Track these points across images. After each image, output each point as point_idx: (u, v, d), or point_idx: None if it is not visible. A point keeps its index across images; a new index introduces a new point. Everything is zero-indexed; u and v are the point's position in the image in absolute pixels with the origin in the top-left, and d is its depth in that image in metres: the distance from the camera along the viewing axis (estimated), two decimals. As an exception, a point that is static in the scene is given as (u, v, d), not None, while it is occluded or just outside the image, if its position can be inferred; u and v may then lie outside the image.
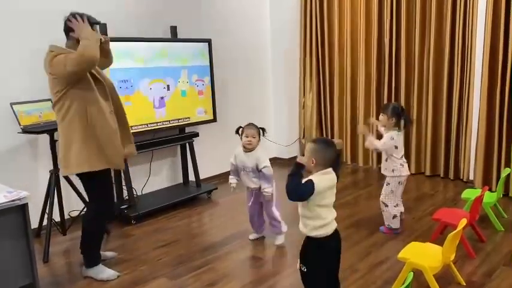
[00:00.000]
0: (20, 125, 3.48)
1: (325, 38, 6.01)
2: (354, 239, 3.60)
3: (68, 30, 2.94)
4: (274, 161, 5.29)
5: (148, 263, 3.34)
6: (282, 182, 2.39)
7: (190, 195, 4.76)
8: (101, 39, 2.93)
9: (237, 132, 3.50)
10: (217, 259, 3.37)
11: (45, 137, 3.61)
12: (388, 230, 3.70)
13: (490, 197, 3.79)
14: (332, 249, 2.31)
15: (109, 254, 3.44)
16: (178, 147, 5.03)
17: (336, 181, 2.31)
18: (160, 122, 4.49)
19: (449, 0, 4.87)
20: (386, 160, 3.66)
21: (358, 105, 5.89)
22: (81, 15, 2.93)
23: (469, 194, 3.89)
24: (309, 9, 6.05)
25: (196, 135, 4.96)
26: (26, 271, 2.57)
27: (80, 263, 3.21)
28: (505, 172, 3.98)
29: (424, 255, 2.73)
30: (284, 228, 3.54)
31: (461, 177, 5.08)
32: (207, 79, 4.93)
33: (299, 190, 2.21)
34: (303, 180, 2.23)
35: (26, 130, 3.46)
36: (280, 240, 3.56)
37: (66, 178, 3.54)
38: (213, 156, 5.48)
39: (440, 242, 2.83)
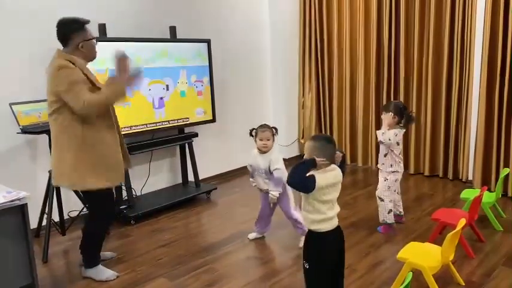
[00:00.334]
0: (19, 125, 3.47)
1: (325, 38, 6.01)
2: (353, 239, 3.60)
3: (64, 39, 2.83)
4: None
5: (147, 263, 3.34)
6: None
7: (190, 196, 4.76)
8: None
9: (250, 134, 3.46)
10: (217, 259, 3.37)
11: (44, 137, 3.61)
12: (385, 230, 3.71)
13: (489, 197, 3.79)
14: (332, 245, 2.30)
15: (108, 254, 3.44)
16: (178, 148, 5.03)
17: (340, 178, 2.29)
18: (159, 122, 4.49)
19: (448, 0, 4.89)
20: (385, 156, 3.68)
21: (357, 105, 5.89)
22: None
23: (468, 194, 3.90)
24: (308, 10, 6.05)
25: (196, 135, 4.96)
26: (26, 271, 2.57)
27: (80, 263, 3.21)
28: (503, 172, 3.99)
29: (423, 255, 2.73)
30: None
31: (460, 177, 5.09)
32: (206, 79, 4.93)
33: (302, 181, 2.19)
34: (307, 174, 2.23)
35: (25, 130, 3.46)
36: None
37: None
38: (212, 156, 5.49)
39: (439, 242, 2.83)
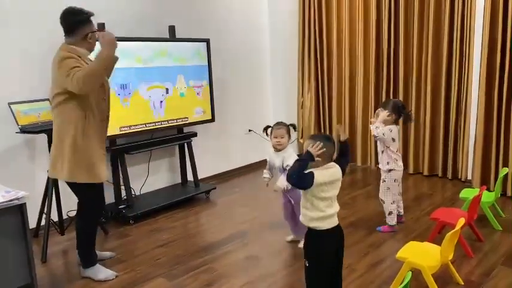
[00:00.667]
0: (18, 124, 3.47)
1: (324, 38, 6.01)
2: (352, 238, 3.60)
3: (67, 30, 2.84)
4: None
5: (146, 263, 3.34)
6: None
7: (189, 195, 4.75)
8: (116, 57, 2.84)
9: (265, 131, 3.42)
10: (216, 259, 3.37)
11: (43, 137, 3.61)
12: (386, 230, 3.71)
13: (488, 197, 3.80)
14: (331, 243, 2.30)
15: (107, 254, 3.44)
16: (177, 147, 5.03)
17: (339, 175, 2.29)
18: (158, 122, 4.49)
19: (447, 1, 4.89)
20: (382, 152, 3.67)
21: (356, 105, 5.89)
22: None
23: (467, 194, 3.90)
24: (308, 9, 6.05)
25: (195, 135, 4.96)
26: (24, 271, 2.57)
27: (78, 263, 3.20)
28: (503, 172, 3.99)
29: (423, 255, 2.73)
30: None
31: (460, 177, 5.09)
32: (205, 82, 4.92)
33: (300, 177, 2.19)
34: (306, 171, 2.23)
35: (24, 130, 3.46)
36: (289, 237, 3.58)
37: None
38: (212, 156, 5.48)
39: (438, 241, 2.83)
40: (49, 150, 3.48)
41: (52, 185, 3.47)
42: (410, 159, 5.42)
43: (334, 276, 2.37)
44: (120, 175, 4.29)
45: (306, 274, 2.35)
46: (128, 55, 4.16)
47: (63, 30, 2.86)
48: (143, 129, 4.36)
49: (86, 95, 2.81)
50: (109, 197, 4.32)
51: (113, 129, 4.07)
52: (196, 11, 5.17)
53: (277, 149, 3.35)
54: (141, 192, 4.70)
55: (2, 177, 3.39)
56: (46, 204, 3.52)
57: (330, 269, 2.32)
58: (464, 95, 4.89)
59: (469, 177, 4.93)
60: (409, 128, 5.39)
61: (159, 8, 4.77)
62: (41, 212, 3.65)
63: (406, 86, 5.39)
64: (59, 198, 3.60)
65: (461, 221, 2.76)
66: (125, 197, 4.32)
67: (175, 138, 4.80)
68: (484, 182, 4.68)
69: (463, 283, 2.86)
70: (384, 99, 5.53)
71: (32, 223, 3.19)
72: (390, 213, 3.68)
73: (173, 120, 4.63)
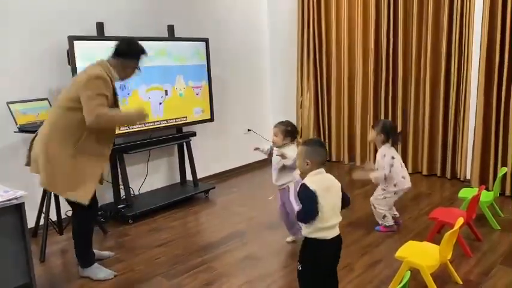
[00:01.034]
0: (16, 124, 3.47)
1: (323, 38, 6.00)
2: (351, 238, 3.60)
3: (119, 52, 2.94)
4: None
5: (145, 262, 3.34)
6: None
7: (188, 195, 4.75)
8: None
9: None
10: (214, 259, 3.37)
11: (42, 137, 3.60)
12: (384, 228, 3.71)
13: (486, 196, 3.80)
14: (329, 253, 2.30)
15: (106, 253, 3.43)
16: (176, 147, 5.03)
17: (332, 182, 2.31)
18: (157, 121, 4.48)
19: (446, 2, 4.89)
20: (385, 179, 3.63)
21: (355, 104, 5.89)
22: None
23: (465, 193, 3.90)
24: (307, 9, 6.05)
25: (194, 134, 4.96)
26: (23, 271, 2.56)
27: (77, 262, 3.20)
28: (501, 171, 4.00)
29: (421, 254, 2.73)
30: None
31: (458, 177, 5.10)
32: (204, 83, 4.92)
33: (308, 210, 2.20)
34: (299, 187, 2.25)
35: (23, 129, 3.45)
36: (289, 238, 3.57)
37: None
38: (211, 155, 5.48)
39: (437, 241, 2.83)
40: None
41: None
42: (409, 158, 5.42)
43: (327, 281, 2.37)
44: (119, 175, 4.29)
45: (299, 277, 2.35)
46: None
47: (114, 51, 2.93)
48: (142, 128, 4.35)
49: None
50: (108, 197, 4.32)
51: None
52: (196, 11, 5.17)
53: (274, 145, 3.39)
54: (140, 192, 4.70)
55: (0, 176, 3.38)
56: (45, 203, 3.51)
57: (323, 275, 2.32)
58: (463, 94, 4.89)
59: (468, 177, 4.94)
60: (408, 128, 5.39)
61: (158, 8, 4.77)
62: (40, 212, 3.65)
63: (405, 85, 5.39)
64: (57, 198, 3.60)
65: (460, 221, 2.77)
66: (124, 197, 4.31)
67: (174, 137, 4.79)
68: (483, 181, 4.68)
69: (461, 282, 2.86)
70: (383, 98, 5.55)
71: (31, 223, 3.19)
72: (384, 216, 3.69)
73: (172, 119, 4.63)
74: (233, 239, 3.71)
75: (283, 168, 3.32)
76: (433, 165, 5.32)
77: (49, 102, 3.76)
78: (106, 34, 4.11)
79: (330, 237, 2.25)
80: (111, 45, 2.98)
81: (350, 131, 6.03)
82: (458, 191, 4.04)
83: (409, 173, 5.33)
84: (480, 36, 4.60)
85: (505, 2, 4.39)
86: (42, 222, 3.60)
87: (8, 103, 3.49)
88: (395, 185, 3.62)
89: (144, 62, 3.09)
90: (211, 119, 5.05)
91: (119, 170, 4.28)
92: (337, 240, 2.31)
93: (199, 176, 5.07)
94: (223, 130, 5.59)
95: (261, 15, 6.05)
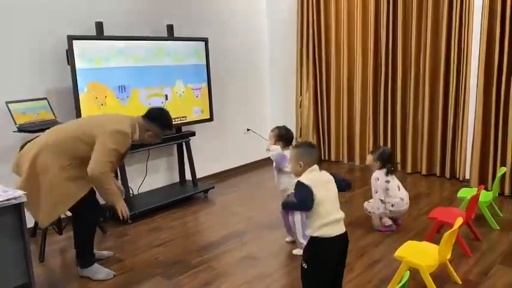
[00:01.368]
0: (15, 123, 3.46)
1: (322, 37, 6.01)
2: (350, 238, 3.51)
3: (149, 115, 3.08)
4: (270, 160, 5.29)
5: (144, 262, 3.34)
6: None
7: (187, 195, 4.75)
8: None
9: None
10: (214, 258, 3.37)
11: (41, 136, 3.60)
12: (384, 228, 3.72)
13: (485, 196, 3.80)
14: (334, 251, 2.29)
15: (105, 253, 3.43)
16: (175, 147, 5.03)
17: (328, 177, 2.33)
18: (156, 121, 4.48)
19: (446, 1, 4.89)
20: (383, 201, 3.67)
21: (354, 104, 5.89)
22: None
23: (465, 193, 3.91)
24: (306, 9, 6.05)
25: (193, 134, 4.95)
26: (22, 270, 2.56)
27: (76, 262, 3.19)
28: (500, 171, 4.00)
29: (421, 254, 2.73)
30: (301, 243, 3.26)
31: (457, 176, 5.10)
32: (204, 84, 4.91)
33: (303, 198, 2.22)
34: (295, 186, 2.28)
35: (22, 129, 3.45)
36: (296, 251, 3.39)
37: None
38: (210, 155, 5.48)
39: (436, 240, 2.84)
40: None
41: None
42: (409, 158, 5.43)
43: (334, 280, 2.36)
44: (118, 174, 4.28)
45: (303, 276, 2.34)
46: (125, 54, 4.15)
47: (147, 114, 3.10)
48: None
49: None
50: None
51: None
52: (195, 10, 5.16)
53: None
54: (139, 192, 4.70)
55: (-1, 176, 3.38)
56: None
57: (328, 273, 2.31)
58: (462, 94, 4.89)
59: (467, 177, 4.94)
60: (408, 127, 5.40)
61: (157, 7, 4.77)
62: (39, 211, 3.63)
63: (404, 85, 5.40)
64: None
65: (459, 221, 2.77)
66: (123, 196, 4.30)
67: (174, 137, 4.78)
68: (482, 181, 4.69)
69: (461, 282, 2.86)
70: (382, 98, 5.55)
71: (30, 222, 3.17)
72: (381, 218, 3.70)
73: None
74: (232, 239, 3.70)
75: (281, 172, 3.35)
76: (433, 165, 5.32)
77: (48, 101, 3.75)
78: (105, 34, 4.11)
79: (334, 235, 2.24)
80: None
81: (349, 131, 6.03)
82: (458, 191, 4.05)
83: (408, 173, 5.42)
84: (479, 36, 4.60)
85: (504, 1, 4.39)
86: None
87: (7, 103, 3.48)
88: (392, 206, 3.65)
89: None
90: (211, 119, 5.05)
91: (118, 169, 4.27)
92: (342, 238, 2.30)
93: (198, 175, 5.07)
94: (222, 130, 5.59)
95: (260, 15, 6.05)
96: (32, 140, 3.05)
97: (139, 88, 4.31)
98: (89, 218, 3.08)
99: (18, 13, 3.74)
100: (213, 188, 5.00)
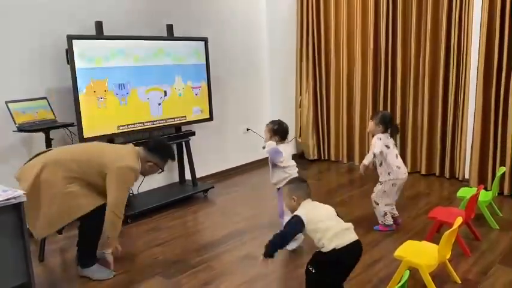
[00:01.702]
0: (15, 123, 3.46)
1: (322, 37, 6.01)
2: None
3: (150, 147, 3.16)
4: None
5: (144, 262, 3.34)
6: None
7: (187, 194, 4.75)
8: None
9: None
10: (213, 258, 3.37)
11: (41, 136, 3.60)
12: (383, 228, 3.72)
13: (485, 196, 3.81)
14: (343, 264, 2.32)
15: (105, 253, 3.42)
16: (175, 146, 5.02)
17: (322, 205, 2.46)
18: (156, 120, 4.48)
19: (445, 1, 4.90)
20: (380, 165, 3.65)
21: (354, 104, 5.90)
22: None
23: (464, 193, 3.91)
24: (306, 8, 6.05)
25: (193, 134, 4.95)
26: (22, 270, 2.56)
27: (76, 262, 3.19)
28: (500, 171, 4.00)
29: (420, 254, 2.73)
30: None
31: (457, 176, 5.10)
32: (203, 83, 4.91)
33: (291, 231, 2.38)
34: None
35: (21, 129, 3.45)
36: (290, 245, 3.36)
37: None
38: (210, 155, 5.48)
39: (436, 240, 2.84)
40: (46, 147, 3.48)
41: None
42: (408, 158, 5.43)
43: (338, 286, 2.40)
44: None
45: (308, 279, 2.37)
46: (125, 54, 4.15)
47: (148, 145, 3.17)
48: (141, 128, 4.35)
49: (97, 186, 2.98)
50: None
51: (110, 128, 4.07)
52: (195, 10, 5.16)
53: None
54: (139, 191, 4.69)
55: (-1, 176, 3.38)
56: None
57: (335, 283, 2.35)
58: (462, 94, 4.90)
59: (467, 176, 4.95)
60: (407, 127, 5.40)
61: (157, 7, 4.76)
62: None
63: (404, 84, 5.40)
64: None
65: (459, 220, 2.77)
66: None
67: (173, 137, 4.78)
68: (482, 181, 4.69)
69: (460, 282, 2.86)
70: (382, 97, 5.55)
71: (30, 222, 3.18)
72: (385, 214, 3.69)
73: (171, 119, 4.62)
74: (232, 239, 3.71)
75: (275, 166, 3.41)
76: (432, 164, 5.32)
77: (48, 101, 3.75)
78: (105, 33, 4.10)
79: (346, 243, 2.28)
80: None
81: (349, 131, 6.03)
82: (457, 191, 4.05)
83: (408, 173, 5.39)
84: (479, 37, 4.60)
85: (504, 1, 4.39)
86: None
87: (6, 102, 3.48)
88: (389, 174, 3.61)
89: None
90: (210, 119, 5.05)
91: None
92: (353, 247, 2.32)
93: (198, 175, 5.07)
94: (222, 129, 5.59)
95: (260, 14, 6.05)
96: (41, 153, 3.09)
97: (138, 87, 4.31)
98: (98, 219, 3.08)
99: (18, 13, 3.74)
100: (213, 187, 5.00)
